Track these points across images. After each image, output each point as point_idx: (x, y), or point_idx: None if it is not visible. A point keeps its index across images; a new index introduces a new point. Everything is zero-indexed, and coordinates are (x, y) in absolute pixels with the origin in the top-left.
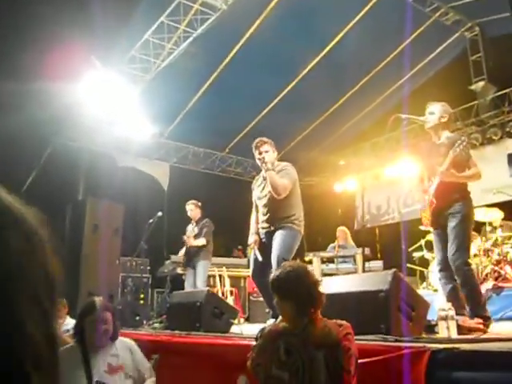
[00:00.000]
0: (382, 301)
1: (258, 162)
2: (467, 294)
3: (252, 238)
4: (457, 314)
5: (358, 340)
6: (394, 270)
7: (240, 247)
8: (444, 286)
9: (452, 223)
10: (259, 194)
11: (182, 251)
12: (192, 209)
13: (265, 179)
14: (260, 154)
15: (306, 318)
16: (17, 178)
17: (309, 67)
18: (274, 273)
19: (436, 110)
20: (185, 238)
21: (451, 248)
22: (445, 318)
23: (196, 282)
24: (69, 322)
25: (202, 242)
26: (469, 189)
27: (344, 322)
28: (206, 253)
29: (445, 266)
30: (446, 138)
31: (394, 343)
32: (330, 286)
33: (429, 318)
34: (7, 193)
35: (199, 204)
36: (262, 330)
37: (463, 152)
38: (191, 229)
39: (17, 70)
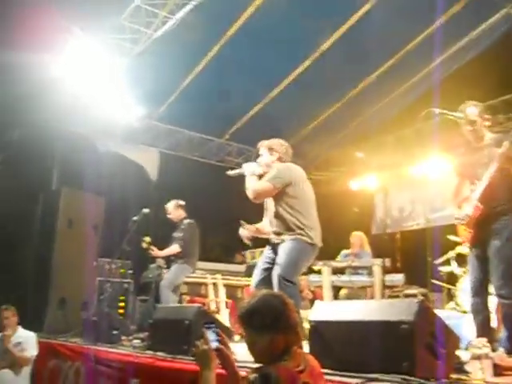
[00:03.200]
0: (405, 334)
1: None
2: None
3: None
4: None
5: (375, 381)
6: (420, 298)
7: (243, 252)
8: (475, 314)
9: (497, 242)
10: (268, 203)
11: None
12: (170, 211)
13: None
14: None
15: (286, 354)
16: None
17: (327, 44)
18: (244, 303)
19: (476, 113)
20: (151, 252)
21: (496, 274)
22: (479, 358)
23: (164, 278)
24: (21, 335)
25: (172, 249)
26: None
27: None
28: (187, 258)
29: (478, 291)
30: (490, 139)
31: None
32: (342, 311)
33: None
34: None
35: (180, 204)
36: (266, 377)
37: None
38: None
39: None
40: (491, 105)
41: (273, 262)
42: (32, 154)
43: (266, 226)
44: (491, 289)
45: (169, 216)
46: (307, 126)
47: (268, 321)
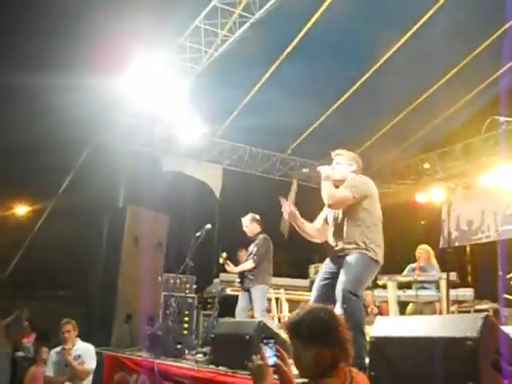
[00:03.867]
0: (469, 352)
1: None
2: None
3: None
4: None
5: None
6: (485, 313)
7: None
8: None
9: None
10: (333, 213)
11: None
12: (247, 224)
13: None
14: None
15: (332, 371)
16: (50, 183)
17: (388, 54)
18: (294, 315)
19: None
20: (226, 267)
21: None
22: None
23: (254, 311)
24: (80, 347)
25: (247, 265)
26: None
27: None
28: (263, 274)
29: None
30: None
31: None
32: (404, 327)
33: None
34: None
35: (256, 217)
36: None
37: None
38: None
39: (52, 64)
40: None
41: (333, 276)
42: (99, 172)
43: (312, 228)
44: None
45: (245, 229)
46: (371, 137)
47: (315, 333)
